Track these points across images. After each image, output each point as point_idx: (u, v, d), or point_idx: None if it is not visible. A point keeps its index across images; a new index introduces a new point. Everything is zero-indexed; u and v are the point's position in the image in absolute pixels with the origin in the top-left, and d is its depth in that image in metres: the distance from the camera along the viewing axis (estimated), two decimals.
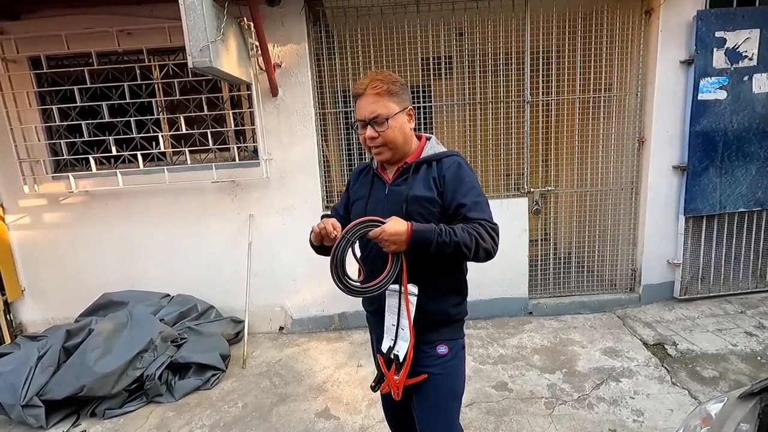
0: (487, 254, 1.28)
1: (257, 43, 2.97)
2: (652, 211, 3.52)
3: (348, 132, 3.50)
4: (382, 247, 1.25)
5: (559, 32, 3.34)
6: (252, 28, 2.91)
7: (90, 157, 3.26)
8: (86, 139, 3.25)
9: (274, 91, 3.23)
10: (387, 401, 1.67)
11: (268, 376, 3.01)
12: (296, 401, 2.72)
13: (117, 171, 3.26)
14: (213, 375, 2.94)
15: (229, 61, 2.61)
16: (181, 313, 3.25)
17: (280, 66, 3.23)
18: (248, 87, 3.23)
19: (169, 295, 3.46)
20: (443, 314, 1.40)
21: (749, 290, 3.66)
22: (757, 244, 3.60)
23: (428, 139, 1.46)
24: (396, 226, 1.22)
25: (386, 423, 1.77)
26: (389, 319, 1.40)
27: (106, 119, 3.21)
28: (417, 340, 1.39)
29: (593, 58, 3.37)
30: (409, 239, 1.22)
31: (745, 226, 3.56)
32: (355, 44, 3.32)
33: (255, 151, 3.42)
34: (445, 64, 3.41)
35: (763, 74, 3.27)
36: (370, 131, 1.32)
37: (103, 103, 3.18)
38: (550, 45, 3.36)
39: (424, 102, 3.42)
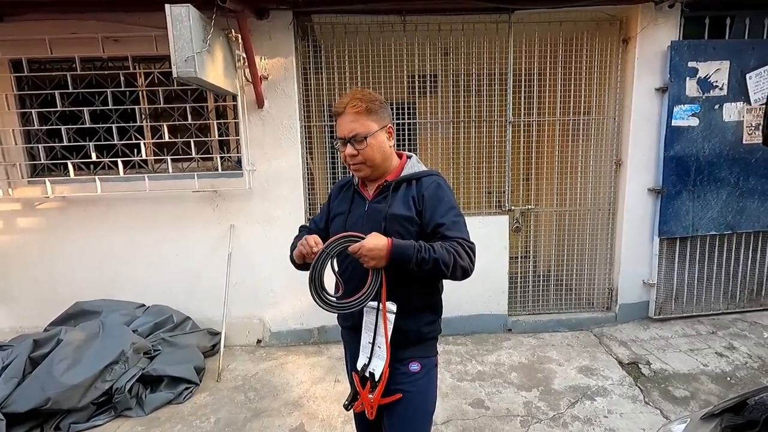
0: (464, 272, 1.30)
1: (244, 55, 2.99)
2: (628, 232, 3.61)
3: (333, 146, 3.52)
4: (361, 263, 1.25)
5: (541, 55, 3.44)
6: (239, 40, 2.93)
7: (68, 162, 3.20)
8: (65, 144, 3.20)
9: (260, 103, 3.25)
10: (360, 420, 1.65)
11: (243, 390, 2.95)
12: (270, 416, 2.67)
13: (96, 177, 3.21)
14: (186, 388, 2.87)
15: (215, 72, 2.62)
16: (156, 324, 3.18)
17: (267, 78, 3.25)
18: (234, 98, 3.24)
19: (144, 305, 3.38)
20: (416, 332, 1.41)
21: (720, 311, 3.75)
22: (728, 267, 3.71)
23: (409, 157, 1.48)
24: (375, 241, 1.24)
25: None
26: (365, 337, 1.40)
27: (87, 125, 3.17)
28: (390, 358, 1.38)
29: (573, 82, 3.49)
30: (388, 255, 1.23)
31: (717, 248, 3.67)
32: (342, 60, 3.36)
33: (238, 161, 3.41)
34: (430, 82, 3.48)
35: (732, 104, 3.42)
36: (349, 149, 1.35)
37: (85, 109, 3.14)
38: (533, 67, 3.46)
39: (409, 119, 3.47)
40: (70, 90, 3.13)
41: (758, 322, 3.63)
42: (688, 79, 3.35)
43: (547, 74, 3.47)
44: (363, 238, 1.25)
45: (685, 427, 1.24)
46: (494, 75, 3.45)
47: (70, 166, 3.21)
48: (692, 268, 3.68)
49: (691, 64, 3.34)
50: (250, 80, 3.13)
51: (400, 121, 3.43)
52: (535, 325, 3.69)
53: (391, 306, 1.35)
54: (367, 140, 1.34)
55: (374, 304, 1.34)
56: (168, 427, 2.60)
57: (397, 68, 3.38)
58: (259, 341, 3.60)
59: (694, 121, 3.41)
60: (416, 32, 3.35)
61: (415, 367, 1.40)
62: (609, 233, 3.72)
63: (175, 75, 2.31)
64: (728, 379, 2.90)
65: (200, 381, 3.01)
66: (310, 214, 3.52)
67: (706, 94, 3.38)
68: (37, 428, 2.55)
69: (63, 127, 3.15)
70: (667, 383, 2.88)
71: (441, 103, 3.50)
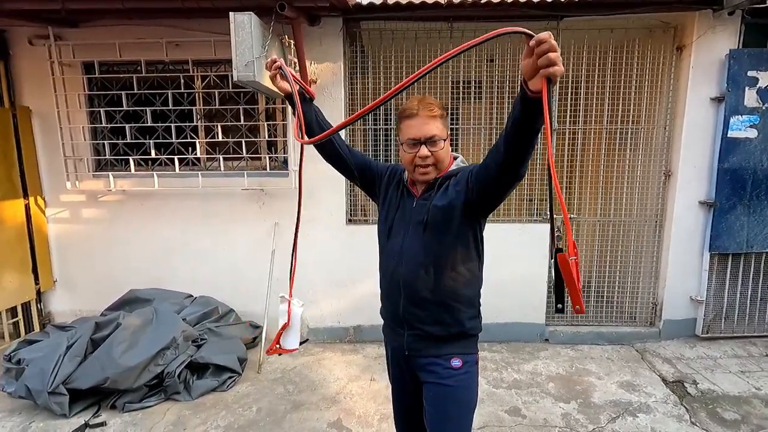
0: (534, 148, 1.17)
1: (296, 60, 3.11)
2: (676, 246, 3.49)
3: (376, 148, 3.59)
4: (548, 63, 0.91)
5: (589, 62, 3.39)
6: (292, 46, 3.05)
7: (130, 158, 3.42)
8: (128, 141, 3.42)
9: None
10: (400, 412, 1.69)
11: (282, 383, 3.06)
12: (309, 410, 2.75)
13: (154, 173, 3.41)
14: (229, 377, 3.00)
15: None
16: (203, 314, 3.34)
17: (316, 82, 3.37)
18: (283, 101, 3.37)
19: (192, 295, 3.56)
20: (460, 326, 1.44)
21: None
22: None
23: (455, 158, 1.53)
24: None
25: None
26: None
27: (148, 123, 3.38)
28: (432, 353, 1.45)
29: (622, 90, 3.41)
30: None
31: None
32: (388, 65, 3.44)
33: (285, 161, 3.54)
34: (475, 88, 3.50)
35: None
36: (424, 150, 1.38)
37: (147, 109, 3.35)
38: (580, 75, 3.42)
39: (452, 124, 3.49)
40: (135, 91, 3.35)
41: None
42: (747, 88, 3.22)
43: (596, 81, 3.42)
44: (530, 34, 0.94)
45: None
46: None
47: (131, 162, 3.42)
48: (745, 286, 3.51)
49: (750, 73, 3.20)
50: None
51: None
52: (574, 336, 3.62)
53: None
54: (444, 142, 1.40)
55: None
56: (213, 412, 2.72)
57: (442, 74, 3.42)
58: None
59: (753, 133, 3.27)
60: (462, 38, 3.38)
61: (456, 362, 1.43)
62: (655, 246, 3.60)
63: (235, 78, 2.44)
64: None
65: (242, 371, 3.13)
66: (350, 217, 3.61)
67: (766, 104, 3.24)
68: (95, 405, 2.74)
69: (126, 126, 3.38)
70: (716, 404, 2.76)
71: (485, 108, 3.51)
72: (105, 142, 3.47)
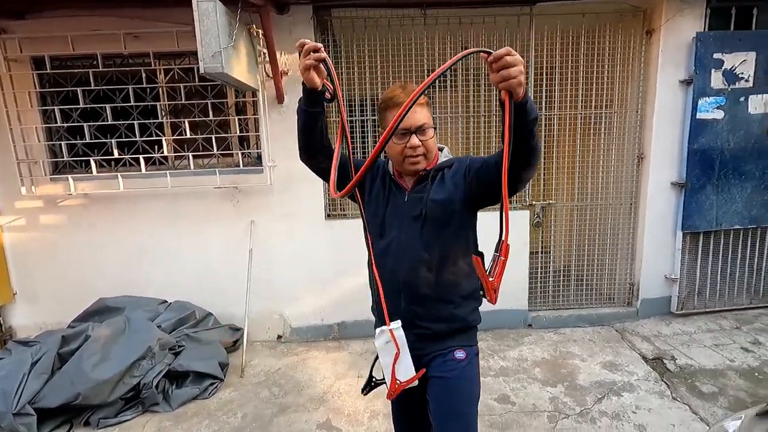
0: (538, 159, 1.20)
1: (265, 51, 2.98)
2: (650, 227, 3.58)
3: (353, 141, 3.50)
4: (506, 77, 1.00)
5: (562, 48, 3.40)
6: (261, 36, 2.92)
7: (91, 159, 3.21)
8: (87, 141, 3.21)
9: (280, 99, 3.24)
10: (399, 412, 1.64)
11: (267, 386, 2.96)
12: (297, 412, 2.67)
13: (118, 174, 3.22)
14: (211, 384, 2.89)
15: (239, 67, 2.61)
16: (179, 320, 3.19)
17: (287, 74, 3.24)
18: (254, 93, 3.23)
19: (166, 301, 3.40)
20: (462, 320, 1.42)
21: (744, 306, 3.72)
22: (751, 261, 3.67)
23: (441, 149, 1.49)
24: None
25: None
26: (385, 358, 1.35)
27: (109, 122, 3.18)
28: (435, 349, 1.42)
29: (595, 74, 3.44)
30: (526, 82, 1.09)
31: (741, 243, 3.63)
32: (361, 54, 3.34)
33: (258, 157, 3.41)
34: (450, 76, 3.45)
35: (758, 96, 3.36)
36: (414, 140, 1.34)
37: (107, 106, 3.15)
38: (554, 61, 3.42)
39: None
40: (92, 87, 3.13)
41: None
42: (713, 71, 3.30)
43: (569, 67, 3.43)
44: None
45: (740, 424, 1.22)
46: None
47: (93, 163, 3.21)
48: (715, 263, 3.64)
49: (716, 55, 3.28)
50: (271, 76, 3.12)
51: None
52: (556, 320, 3.68)
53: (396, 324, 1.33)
54: (433, 131, 1.37)
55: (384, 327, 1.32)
56: (195, 422, 2.61)
57: (417, 62, 3.35)
58: (279, 336, 3.61)
59: (719, 114, 3.36)
60: (436, 26, 3.32)
61: (460, 354, 1.41)
62: (630, 228, 3.68)
63: (202, 71, 2.30)
64: (756, 374, 2.87)
65: (224, 376, 3.02)
66: (329, 211, 3.52)
67: (731, 86, 3.33)
68: (66, 423, 2.58)
69: (85, 125, 3.16)
70: (694, 379, 2.85)
71: (461, 97, 3.47)
72: (62, 142, 3.24)
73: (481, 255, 1.09)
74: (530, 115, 1.08)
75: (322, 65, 1.19)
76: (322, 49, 1.17)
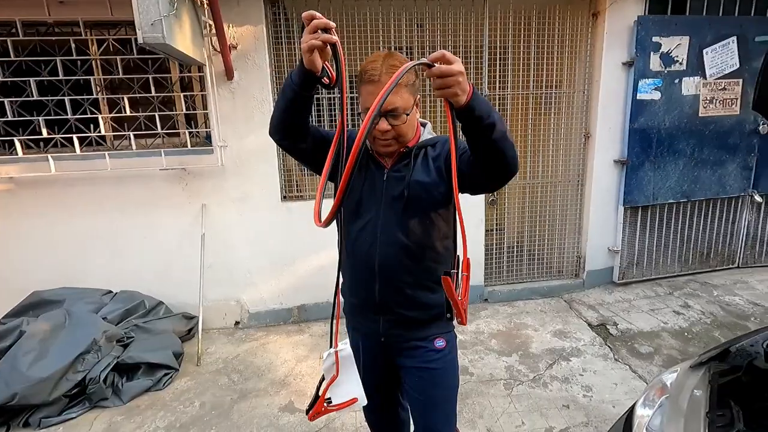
0: (514, 162, 1.11)
1: (211, 22, 2.79)
2: (595, 203, 3.78)
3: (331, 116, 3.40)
4: (440, 86, 0.96)
5: (515, 29, 3.45)
6: (206, 5, 2.73)
7: (15, 139, 2.90)
8: (9, 119, 2.89)
9: (229, 75, 3.06)
10: (371, 402, 1.54)
11: (226, 373, 2.88)
12: (258, 397, 2.63)
13: (48, 156, 2.93)
14: (165, 374, 2.76)
15: (183, 38, 2.43)
16: (127, 311, 3.01)
17: (236, 48, 3.07)
18: (200, 69, 3.04)
19: (111, 291, 3.19)
20: (440, 307, 1.32)
21: (675, 273, 4.06)
22: (682, 233, 4.00)
23: (423, 125, 1.38)
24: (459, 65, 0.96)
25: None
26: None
27: (35, 97, 2.87)
28: (413, 337, 1.36)
29: (546, 55, 3.53)
30: (471, 91, 0.99)
31: (674, 216, 3.93)
32: None
33: (207, 137, 3.23)
34: (406, 54, 3.41)
35: (690, 78, 3.60)
36: (383, 124, 1.21)
37: (31, 79, 2.84)
38: (507, 41, 3.47)
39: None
40: (12, 58, 2.81)
41: (708, 282, 3.96)
42: (652, 53, 3.49)
43: (521, 47, 3.50)
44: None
45: (676, 377, 1.33)
46: (469, 48, 3.44)
47: (17, 144, 2.91)
48: (651, 235, 3.93)
49: (655, 38, 3.47)
50: (219, 49, 2.93)
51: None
52: (510, 294, 3.84)
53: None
54: (407, 116, 1.22)
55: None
56: (150, 414, 2.50)
57: (372, 40, 3.29)
58: (237, 323, 3.51)
59: (657, 95, 3.58)
60: (391, 2, 3.25)
61: (440, 343, 1.36)
62: (578, 204, 3.88)
63: (140, 41, 2.12)
64: (686, 334, 3.16)
65: (179, 366, 2.90)
66: (285, 192, 3.42)
67: (667, 69, 3.54)
68: (2, 426, 2.38)
69: (6, 100, 2.84)
70: (633, 341, 3.09)
71: (415, 76, 3.44)
72: None
73: (449, 274, 1.00)
74: (483, 120, 0.99)
75: (329, 48, 1.02)
76: (335, 29, 1.01)
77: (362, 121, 1.07)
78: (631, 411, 1.34)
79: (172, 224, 3.26)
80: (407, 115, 1.22)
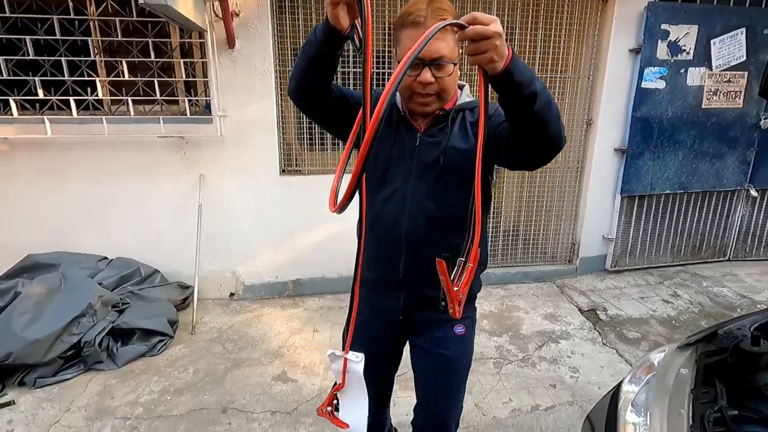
0: (559, 137, 0.98)
1: None
2: (593, 190, 3.80)
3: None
4: (475, 52, 0.82)
5: (522, 13, 3.39)
6: None
7: (10, 99, 2.85)
8: (4, 77, 2.83)
9: (230, 43, 3.00)
10: (371, 377, 1.36)
11: (220, 342, 2.92)
12: (251, 366, 2.67)
13: (45, 118, 2.88)
14: (160, 341, 2.79)
15: (184, 1, 2.37)
16: (122, 277, 3.02)
17: (239, 15, 3.00)
18: (201, 35, 2.97)
19: (107, 258, 3.19)
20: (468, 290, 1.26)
21: (667, 264, 4.11)
22: (677, 224, 4.03)
23: (461, 87, 1.25)
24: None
25: None
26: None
27: (31, 57, 2.81)
28: (435, 318, 1.28)
29: (553, 39, 3.48)
30: (511, 56, 0.85)
31: (669, 206, 3.96)
32: None
33: (207, 106, 3.18)
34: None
35: (696, 68, 3.58)
36: (426, 75, 1.06)
37: (27, 38, 2.77)
38: (515, 23, 3.42)
39: (389, 69, 3.35)
40: (7, 14, 2.73)
41: (698, 273, 4.02)
42: (660, 41, 3.45)
43: (529, 31, 3.44)
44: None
45: (663, 356, 1.36)
46: None
47: (13, 104, 2.85)
48: (646, 225, 3.96)
49: (663, 26, 3.43)
50: (221, 16, 2.87)
51: (381, 70, 3.30)
52: (503, 277, 3.88)
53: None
54: (454, 66, 1.09)
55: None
56: (144, 378, 2.53)
57: (379, 12, 3.22)
58: (232, 294, 3.53)
59: (661, 84, 3.56)
60: None
61: (460, 329, 1.29)
62: (576, 191, 3.89)
63: (141, 1, 2.06)
64: (673, 322, 3.22)
65: (174, 334, 2.93)
66: (284, 166, 3.40)
67: (674, 58, 3.51)
68: None
69: (0, 58, 2.77)
70: (622, 327, 3.16)
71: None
72: None
73: (446, 258, 0.92)
74: (523, 90, 0.85)
75: (356, 4, 0.88)
76: None
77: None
78: (617, 387, 1.38)
79: (169, 193, 3.25)
80: (455, 65, 1.09)
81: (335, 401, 1.14)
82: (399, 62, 0.98)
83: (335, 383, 1.14)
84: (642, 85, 3.52)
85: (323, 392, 2.42)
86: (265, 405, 2.35)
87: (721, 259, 4.27)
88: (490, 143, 1.02)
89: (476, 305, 1.42)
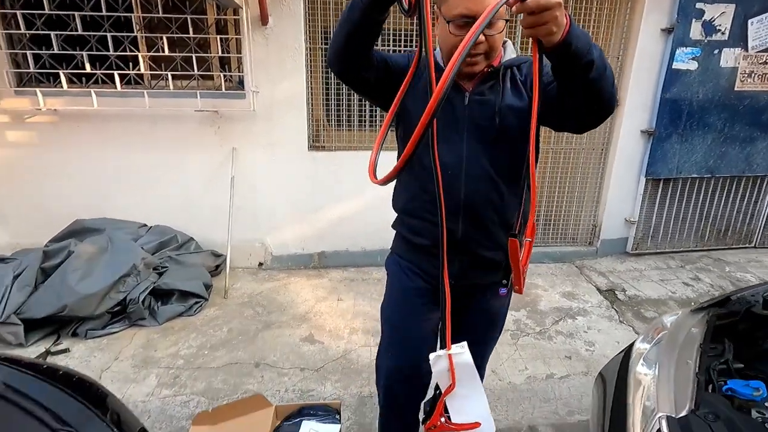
0: (611, 100, 0.98)
1: None
2: (617, 172, 3.79)
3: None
4: (533, 24, 0.82)
5: None
6: None
7: (60, 72, 3.03)
8: (55, 52, 3.01)
9: (264, 19, 3.10)
10: (407, 344, 1.38)
11: (251, 306, 3.10)
12: (281, 327, 2.84)
13: (91, 90, 3.06)
14: (196, 303, 2.99)
15: None
16: (161, 243, 3.22)
17: None
18: (236, 12, 3.08)
19: (146, 225, 3.40)
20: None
21: (690, 249, 4.09)
22: (702, 209, 4.00)
23: (504, 44, 1.19)
24: None
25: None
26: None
27: (78, 32, 2.97)
28: (485, 280, 1.30)
29: (582, 17, 3.45)
30: (569, 25, 0.84)
31: (695, 191, 3.92)
32: None
33: (241, 81, 3.31)
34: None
35: (731, 49, 3.50)
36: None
37: (75, 13, 2.93)
38: None
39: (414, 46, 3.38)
40: None
41: (722, 259, 3.99)
42: (694, 20, 3.38)
43: None
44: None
45: (676, 319, 1.44)
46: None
47: (62, 77, 3.04)
48: (671, 208, 3.94)
49: (699, 5, 3.35)
50: None
51: (399, 48, 3.35)
52: None
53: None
54: (506, 22, 1.05)
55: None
56: (183, 335, 2.74)
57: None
58: (260, 264, 3.71)
59: (693, 65, 3.50)
60: None
61: (503, 291, 1.27)
62: (599, 172, 3.89)
63: None
64: (692, 303, 3.22)
65: (208, 297, 3.13)
66: (312, 142, 3.52)
67: (708, 38, 3.44)
68: (53, 334, 2.65)
69: (52, 33, 2.95)
70: (639, 306, 3.20)
71: None
72: (26, 52, 3.02)
73: (515, 236, 0.93)
74: (580, 59, 0.84)
75: None
76: None
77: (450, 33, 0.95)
78: (630, 346, 1.46)
79: (203, 165, 3.41)
80: (506, 21, 1.06)
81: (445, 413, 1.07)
82: (450, 20, 1.05)
83: (437, 391, 1.09)
84: (673, 66, 3.47)
85: (348, 353, 2.58)
86: (294, 362, 2.52)
87: (747, 245, 4.22)
88: (541, 105, 0.99)
89: None
